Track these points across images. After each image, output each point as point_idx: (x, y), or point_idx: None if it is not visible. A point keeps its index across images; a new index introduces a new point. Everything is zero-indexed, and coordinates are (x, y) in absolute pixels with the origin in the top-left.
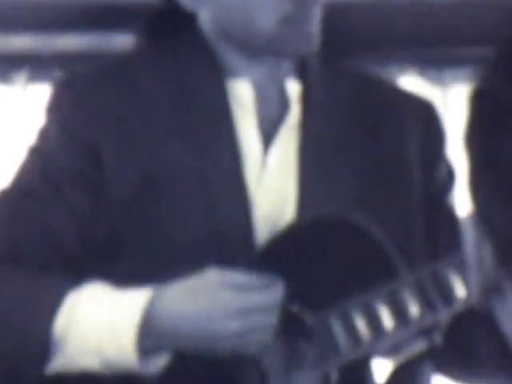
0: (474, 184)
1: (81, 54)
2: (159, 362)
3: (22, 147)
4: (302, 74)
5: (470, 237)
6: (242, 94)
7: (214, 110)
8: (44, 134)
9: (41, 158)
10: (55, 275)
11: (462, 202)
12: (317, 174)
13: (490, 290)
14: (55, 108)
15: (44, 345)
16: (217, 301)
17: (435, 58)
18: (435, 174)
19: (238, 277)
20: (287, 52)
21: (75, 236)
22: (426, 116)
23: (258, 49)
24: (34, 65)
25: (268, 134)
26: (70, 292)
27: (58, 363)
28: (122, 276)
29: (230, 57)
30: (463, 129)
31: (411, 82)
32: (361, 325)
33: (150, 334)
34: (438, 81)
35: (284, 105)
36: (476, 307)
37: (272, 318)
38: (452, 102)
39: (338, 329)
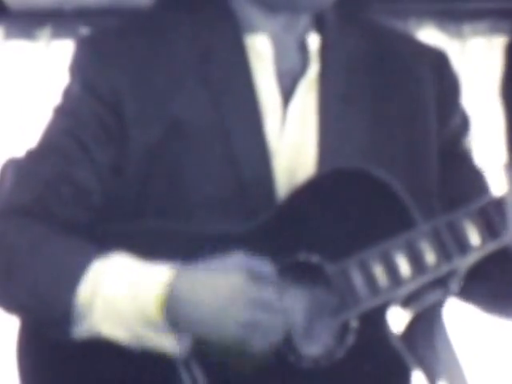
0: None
1: (104, 10)
2: (183, 342)
3: (45, 102)
4: (321, 27)
5: (509, 183)
6: (260, 48)
7: (232, 63)
8: (67, 93)
9: (65, 116)
10: (81, 241)
11: (481, 151)
12: (337, 127)
13: None
14: (78, 66)
15: (67, 312)
16: (236, 288)
17: (453, 11)
18: (450, 122)
19: (262, 269)
20: (303, 6)
21: (100, 190)
22: (440, 66)
23: (275, 3)
24: (58, 21)
25: (288, 88)
26: (95, 261)
27: (83, 331)
28: (145, 234)
29: (247, 12)
30: (499, 80)
31: (430, 36)
32: (379, 273)
33: (173, 310)
34: (457, 34)
35: (304, 58)
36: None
37: (280, 321)
38: (470, 55)
39: (356, 278)
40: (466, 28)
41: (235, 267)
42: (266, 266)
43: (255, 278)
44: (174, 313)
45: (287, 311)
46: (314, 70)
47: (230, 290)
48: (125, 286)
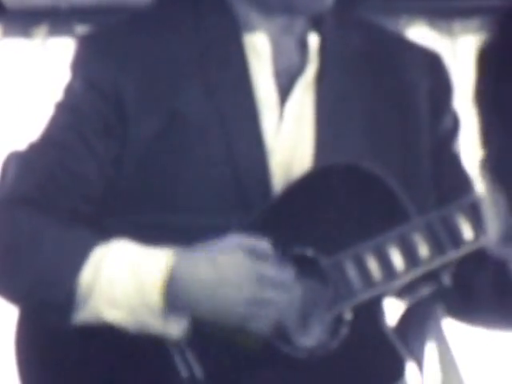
0: (486, 134)
1: (100, 8)
2: (181, 325)
3: (43, 100)
4: (319, 27)
5: (484, 187)
6: (259, 46)
7: (231, 61)
8: (69, 89)
9: (67, 111)
10: (82, 228)
11: (467, 154)
12: (333, 125)
13: (506, 237)
14: (79, 63)
15: (69, 297)
16: (235, 267)
17: (444, 8)
18: (442, 122)
19: (261, 246)
20: (300, 10)
21: (100, 182)
22: (434, 66)
23: (271, 6)
24: (54, 19)
25: (286, 86)
26: (96, 246)
27: (85, 315)
28: (143, 227)
29: (245, 12)
30: (471, 85)
31: (420, 33)
32: (373, 266)
33: (173, 293)
34: (447, 32)
35: (303, 57)
36: (490, 253)
37: (284, 296)
38: (461, 53)
39: (351, 271)
40: (457, 26)
41: (234, 246)
42: (264, 244)
43: (255, 255)
44: (174, 295)
45: (289, 286)
46: (312, 68)
47: (231, 267)
48: (125, 269)
